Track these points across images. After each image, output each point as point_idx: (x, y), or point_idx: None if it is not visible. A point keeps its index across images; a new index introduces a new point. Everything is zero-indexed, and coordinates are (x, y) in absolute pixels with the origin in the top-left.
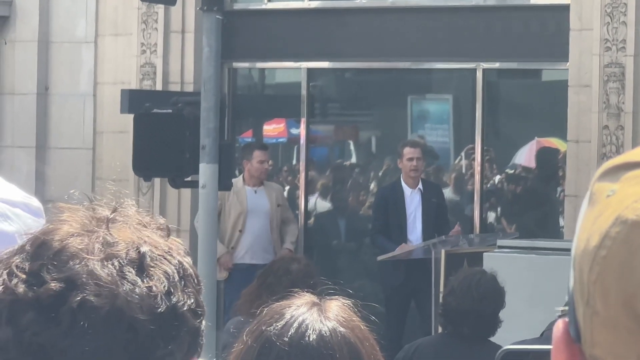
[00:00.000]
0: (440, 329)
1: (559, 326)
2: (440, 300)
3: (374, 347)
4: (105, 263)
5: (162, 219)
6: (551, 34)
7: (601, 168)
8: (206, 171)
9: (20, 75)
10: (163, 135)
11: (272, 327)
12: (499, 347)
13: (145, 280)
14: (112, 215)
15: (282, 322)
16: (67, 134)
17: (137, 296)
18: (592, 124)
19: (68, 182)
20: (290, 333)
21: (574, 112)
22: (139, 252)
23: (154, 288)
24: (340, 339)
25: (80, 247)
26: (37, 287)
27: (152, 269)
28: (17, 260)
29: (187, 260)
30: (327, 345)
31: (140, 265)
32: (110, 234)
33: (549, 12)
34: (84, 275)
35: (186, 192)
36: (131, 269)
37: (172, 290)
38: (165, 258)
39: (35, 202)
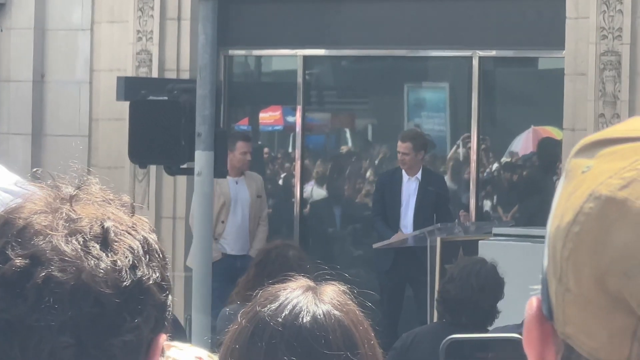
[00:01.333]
0: (436, 318)
1: (533, 304)
2: (438, 288)
3: (368, 331)
4: (69, 239)
5: (127, 197)
6: (547, 22)
7: (578, 144)
8: (202, 158)
9: (16, 63)
10: (159, 123)
11: (266, 308)
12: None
13: (109, 254)
14: (75, 193)
15: (277, 304)
16: (63, 121)
17: (102, 270)
18: (588, 112)
19: (64, 169)
20: (284, 314)
21: (570, 101)
22: (103, 227)
23: (119, 262)
24: (334, 322)
25: (44, 224)
26: (1, 265)
27: (116, 243)
28: None
29: (152, 237)
30: (320, 327)
31: (104, 240)
32: (73, 210)
33: (546, 0)
34: (48, 251)
35: (182, 179)
36: (95, 244)
37: (136, 264)
38: (129, 233)
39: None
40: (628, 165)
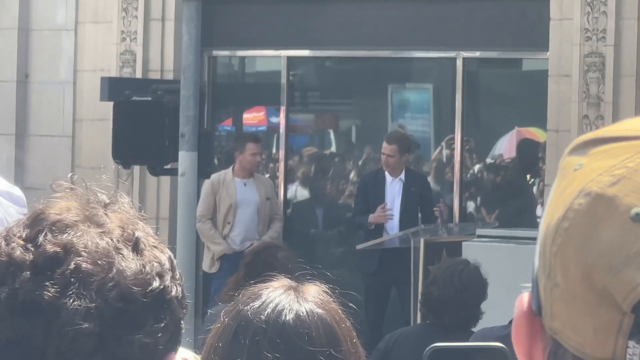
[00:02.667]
0: (419, 319)
1: (523, 299)
2: (421, 289)
3: (350, 330)
4: (103, 236)
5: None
6: (531, 23)
7: (572, 143)
8: (185, 159)
9: None
10: (142, 123)
11: (248, 307)
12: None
13: (139, 259)
14: (110, 201)
15: (259, 302)
16: (46, 121)
17: (131, 269)
18: (572, 113)
19: (47, 169)
20: (267, 312)
21: (554, 102)
22: (134, 235)
23: (147, 267)
24: (316, 319)
25: (76, 219)
26: (34, 250)
27: (145, 251)
28: (15, 229)
29: (174, 257)
30: (303, 324)
31: (135, 246)
32: (107, 214)
33: (530, 1)
34: (81, 243)
35: (165, 180)
36: (126, 247)
37: (163, 274)
38: (157, 247)
39: (17, 192)
40: (618, 163)
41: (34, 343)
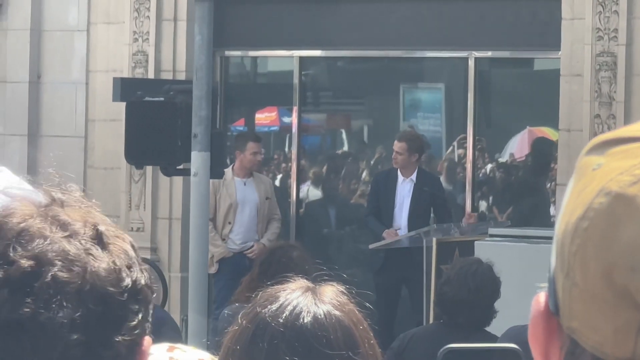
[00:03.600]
0: (432, 318)
1: (539, 299)
2: (434, 289)
3: (367, 331)
4: (70, 240)
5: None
6: (543, 22)
7: (590, 143)
8: (198, 159)
9: (12, 64)
10: (155, 123)
11: (266, 309)
12: (495, 336)
13: (107, 255)
14: (64, 197)
15: (277, 305)
16: (59, 122)
17: (104, 270)
18: (583, 113)
19: (60, 170)
20: (285, 315)
21: (566, 101)
22: (97, 230)
23: (117, 262)
24: (334, 322)
25: (40, 226)
26: (7, 267)
27: (110, 245)
28: None
29: (132, 240)
30: (321, 327)
31: (100, 242)
32: (66, 213)
33: (541, 1)
34: (52, 252)
35: (178, 180)
36: (94, 246)
37: (131, 265)
38: (118, 237)
39: (38, 197)
40: (638, 162)
41: None
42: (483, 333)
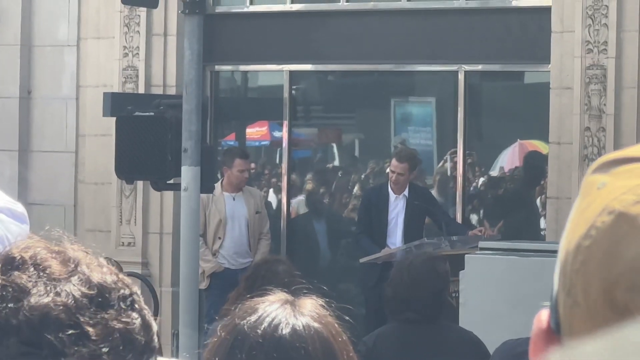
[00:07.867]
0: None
1: (541, 317)
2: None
3: (346, 343)
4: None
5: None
6: (533, 36)
7: (595, 162)
8: (188, 174)
9: (2, 79)
10: (145, 138)
11: (245, 321)
12: (452, 324)
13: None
14: (81, 256)
15: (256, 316)
16: (49, 137)
17: (136, 327)
18: (573, 125)
19: (50, 185)
20: (263, 326)
21: (556, 114)
22: (131, 292)
23: (147, 318)
24: (313, 333)
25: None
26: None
27: (137, 304)
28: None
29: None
30: (300, 339)
31: (131, 303)
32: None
33: (531, 14)
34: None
35: (169, 195)
36: (126, 306)
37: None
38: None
39: (19, 208)
40: None
41: None
42: (440, 325)
